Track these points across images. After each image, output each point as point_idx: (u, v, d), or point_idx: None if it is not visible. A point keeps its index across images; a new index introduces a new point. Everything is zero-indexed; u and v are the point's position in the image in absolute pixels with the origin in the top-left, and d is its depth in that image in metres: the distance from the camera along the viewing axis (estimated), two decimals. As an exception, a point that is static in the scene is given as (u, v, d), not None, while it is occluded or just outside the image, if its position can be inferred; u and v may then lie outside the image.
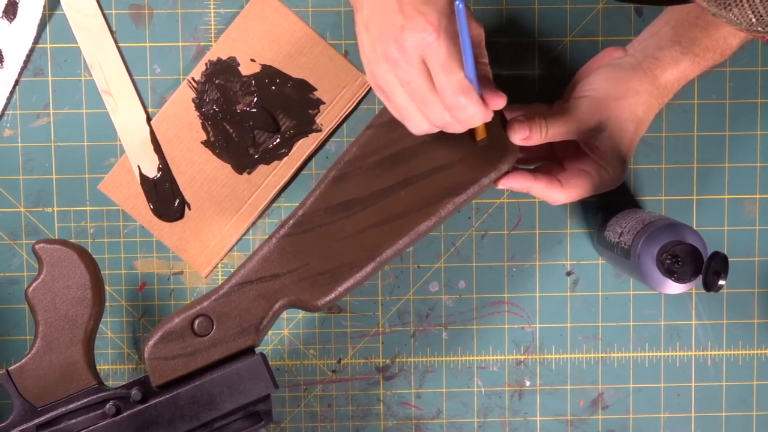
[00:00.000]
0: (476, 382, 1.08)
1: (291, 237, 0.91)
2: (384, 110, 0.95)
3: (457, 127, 0.84)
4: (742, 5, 0.61)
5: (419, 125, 0.84)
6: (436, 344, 1.08)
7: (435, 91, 0.80)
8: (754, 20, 0.61)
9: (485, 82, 0.83)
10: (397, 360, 1.08)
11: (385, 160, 0.93)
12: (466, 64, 0.79)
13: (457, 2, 0.75)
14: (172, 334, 0.89)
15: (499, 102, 0.83)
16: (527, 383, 1.08)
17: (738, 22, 0.62)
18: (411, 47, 0.79)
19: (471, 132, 0.91)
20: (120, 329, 1.07)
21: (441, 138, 0.93)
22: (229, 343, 0.90)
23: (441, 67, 0.79)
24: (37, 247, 0.88)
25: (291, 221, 0.92)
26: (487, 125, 0.89)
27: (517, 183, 0.93)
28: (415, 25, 0.79)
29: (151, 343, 0.89)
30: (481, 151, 0.92)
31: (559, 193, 0.93)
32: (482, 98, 0.82)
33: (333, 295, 0.91)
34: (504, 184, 0.93)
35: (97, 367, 0.92)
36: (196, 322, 0.89)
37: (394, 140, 0.93)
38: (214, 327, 0.90)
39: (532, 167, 0.97)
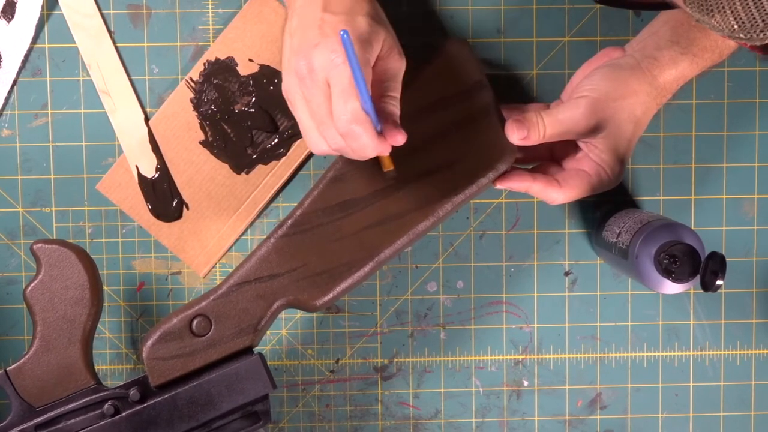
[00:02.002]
0: (474, 382, 1.08)
1: (289, 237, 0.91)
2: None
3: (354, 155, 0.83)
4: (725, 12, 0.62)
5: (318, 144, 0.85)
6: (434, 344, 1.08)
7: (332, 116, 0.81)
8: (735, 27, 0.62)
9: (388, 117, 0.83)
10: (395, 360, 1.08)
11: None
12: (361, 94, 0.79)
13: (341, 32, 0.75)
14: (170, 335, 0.89)
15: (398, 138, 0.83)
16: (525, 383, 1.08)
17: (720, 28, 0.63)
18: (319, 66, 0.80)
19: (464, 134, 0.92)
20: (118, 329, 1.07)
21: (439, 138, 0.93)
22: (227, 343, 0.90)
23: (340, 92, 0.80)
24: (35, 247, 0.88)
25: (289, 221, 0.92)
26: (477, 128, 0.88)
27: (515, 183, 0.93)
28: (327, 45, 0.80)
29: (149, 343, 0.89)
30: (480, 151, 0.92)
31: (558, 193, 0.93)
32: (381, 132, 0.82)
33: (331, 295, 0.91)
34: (502, 184, 0.93)
35: (95, 367, 0.91)
36: (195, 322, 0.90)
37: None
38: (213, 327, 0.90)
39: (530, 167, 0.97)
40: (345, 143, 0.82)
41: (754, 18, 0.61)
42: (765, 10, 0.60)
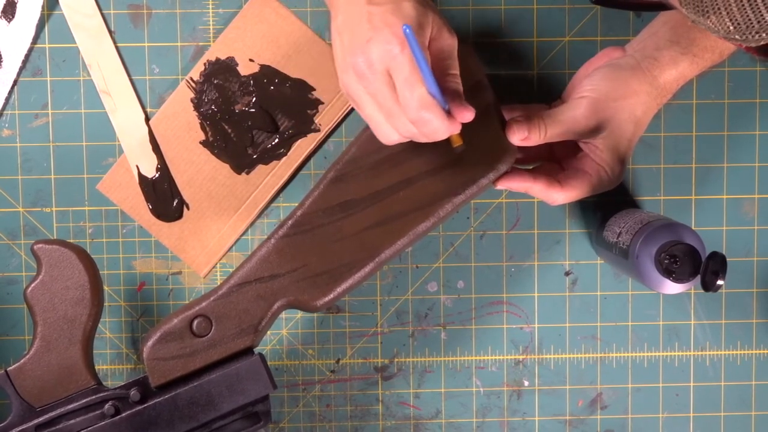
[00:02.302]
0: (475, 382, 1.08)
1: (290, 238, 0.91)
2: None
3: (426, 139, 0.84)
4: (720, 13, 0.62)
5: (389, 136, 0.84)
6: (434, 344, 1.08)
7: (400, 104, 0.81)
8: (731, 28, 0.62)
9: (453, 96, 0.83)
10: (396, 360, 1.08)
11: (384, 161, 0.93)
12: (426, 81, 0.79)
13: (403, 26, 0.75)
14: (170, 335, 0.89)
15: (467, 115, 0.83)
16: (526, 383, 1.08)
17: (716, 29, 0.63)
18: (377, 60, 0.80)
19: (464, 134, 0.91)
20: (118, 329, 1.07)
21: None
22: (227, 343, 0.90)
23: (404, 81, 0.80)
24: (35, 247, 0.88)
25: (290, 222, 0.92)
26: (474, 125, 0.88)
27: (515, 183, 0.93)
28: (381, 38, 0.80)
29: (149, 343, 0.89)
30: (481, 152, 0.92)
31: (558, 193, 0.93)
32: (450, 111, 0.82)
33: (332, 295, 0.91)
34: (503, 185, 0.93)
35: (96, 367, 0.91)
36: (195, 322, 0.89)
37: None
38: (213, 327, 0.90)
39: (530, 167, 0.97)
40: (417, 130, 0.82)
41: (750, 19, 0.61)
42: (760, 11, 0.60)
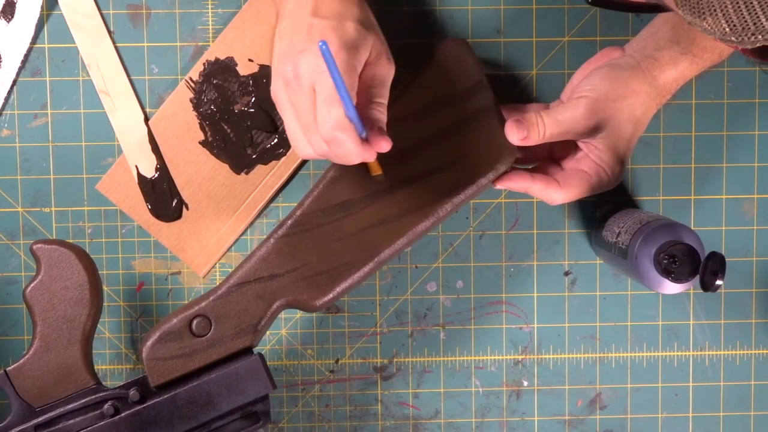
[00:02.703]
0: (474, 382, 1.08)
1: (289, 237, 0.91)
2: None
3: (339, 160, 0.83)
4: (716, 15, 0.62)
5: (304, 149, 0.84)
6: (433, 344, 1.08)
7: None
8: (727, 30, 0.62)
9: (374, 124, 0.83)
10: (395, 360, 1.08)
11: (383, 161, 0.93)
12: (344, 103, 0.78)
13: (320, 43, 0.75)
14: (170, 335, 0.89)
15: (383, 146, 0.82)
16: (525, 383, 1.08)
17: (712, 31, 0.63)
18: (305, 72, 0.80)
19: (463, 134, 0.91)
20: (118, 329, 1.07)
21: (439, 139, 0.93)
22: (227, 343, 0.90)
23: (325, 99, 0.80)
24: (34, 247, 0.88)
25: (289, 222, 0.92)
26: (473, 125, 0.88)
27: (515, 183, 0.93)
28: (313, 51, 0.80)
29: (149, 343, 0.89)
30: (480, 152, 0.92)
31: (558, 193, 0.93)
32: (367, 139, 0.82)
33: (331, 295, 0.91)
34: (502, 185, 0.93)
35: (95, 367, 0.91)
36: (194, 322, 0.90)
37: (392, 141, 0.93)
38: (212, 327, 0.90)
39: (530, 167, 0.97)
40: (329, 149, 0.82)
41: (746, 21, 0.61)
42: (756, 13, 0.60)
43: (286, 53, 0.82)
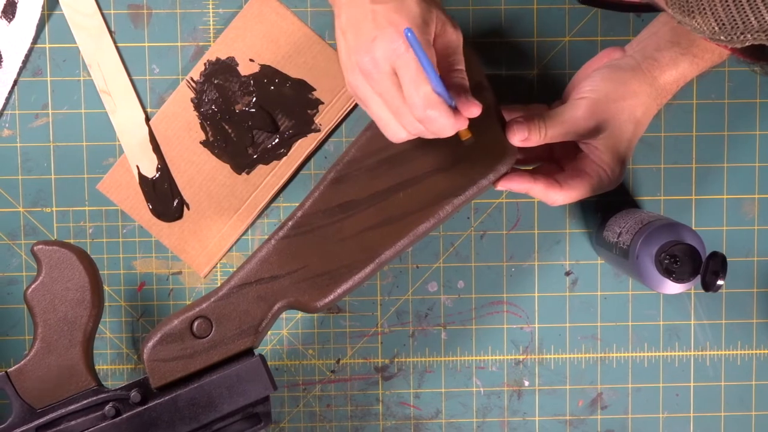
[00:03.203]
0: (475, 382, 1.08)
1: (290, 239, 0.91)
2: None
3: (434, 136, 0.84)
4: (705, 14, 0.62)
5: (397, 133, 0.84)
6: (434, 344, 1.08)
7: (407, 103, 0.81)
8: (716, 28, 0.62)
9: (459, 91, 0.83)
10: (396, 360, 1.08)
11: (384, 162, 0.93)
12: (431, 80, 0.79)
13: (405, 30, 0.75)
14: (171, 336, 0.89)
15: (474, 110, 0.82)
16: (526, 383, 1.08)
17: (701, 30, 0.63)
18: (382, 59, 0.80)
19: (453, 141, 0.91)
20: (119, 329, 1.07)
21: (440, 139, 0.93)
22: (228, 344, 0.90)
23: (410, 81, 0.79)
24: (35, 248, 0.88)
25: (290, 223, 0.92)
26: (474, 125, 0.88)
27: (515, 184, 0.93)
28: (386, 36, 0.79)
29: (150, 344, 0.89)
30: (480, 153, 0.92)
31: (558, 194, 0.93)
32: (456, 107, 0.82)
33: (332, 296, 0.91)
34: (503, 186, 0.93)
35: (96, 368, 0.92)
36: (195, 323, 0.90)
37: (393, 142, 0.93)
38: (213, 328, 0.90)
39: (530, 168, 0.97)
40: (424, 127, 0.82)
41: (735, 20, 0.61)
42: (745, 12, 0.60)
43: (357, 46, 0.81)
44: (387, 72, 0.80)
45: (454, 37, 0.85)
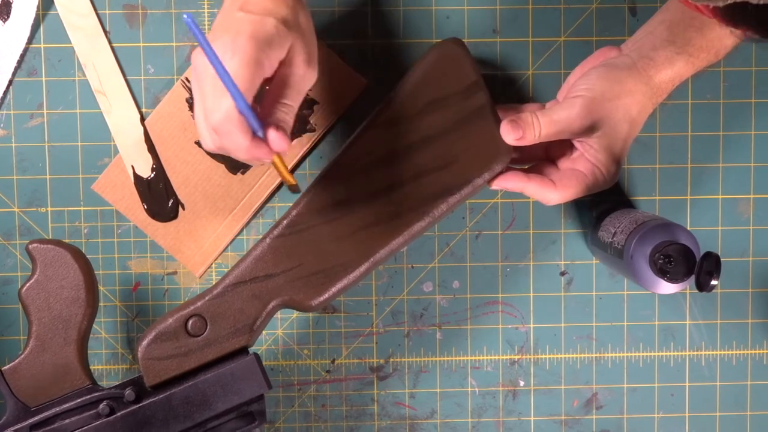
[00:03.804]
0: (470, 382, 1.08)
1: (285, 237, 0.91)
2: (378, 111, 0.95)
3: (232, 154, 0.82)
4: None
5: (204, 138, 0.83)
6: (430, 344, 1.08)
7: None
8: None
9: (275, 123, 0.81)
10: (391, 360, 1.08)
11: (379, 161, 0.93)
12: (231, 94, 0.77)
13: (184, 15, 0.74)
14: (165, 335, 0.89)
15: (278, 143, 0.81)
16: (521, 383, 1.08)
17: None
18: (206, 61, 0.79)
19: (459, 134, 0.91)
20: (114, 329, 1.07)
21: (435, 138, 0.93)
22: (222, 343, 0.90)
23: (219, 89, 0.78)
24: (30, 247, 0.88)
25: (285, 221, 0.92)
26: (473, 129, 0.88)
27: (510, 183, 0.93)
28: (221, 41, 0.79)
29: (144, 343, 0.89)
30: (475, 152, 0.92)
31: (553, 193, 0.93)
32: (264, 137, 0.81)
33: (327, 295, 0.91)
34: (497, 185, 0.93)
35: (91, 367, 0.92)
36: (190, 322, 0.89)
37: (388, 141, 0.93)
38: (208, 327, 0.90)
39: (525, 167, 0.97)
40: (220, 141, 0.81)
41: None
42: None
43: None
44: (210, 74, 0.79)
45: (301, 74, 0.84)
